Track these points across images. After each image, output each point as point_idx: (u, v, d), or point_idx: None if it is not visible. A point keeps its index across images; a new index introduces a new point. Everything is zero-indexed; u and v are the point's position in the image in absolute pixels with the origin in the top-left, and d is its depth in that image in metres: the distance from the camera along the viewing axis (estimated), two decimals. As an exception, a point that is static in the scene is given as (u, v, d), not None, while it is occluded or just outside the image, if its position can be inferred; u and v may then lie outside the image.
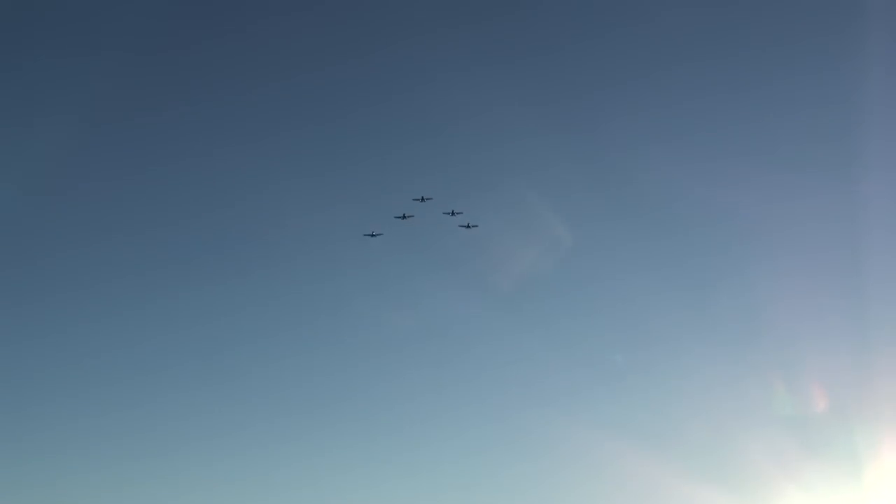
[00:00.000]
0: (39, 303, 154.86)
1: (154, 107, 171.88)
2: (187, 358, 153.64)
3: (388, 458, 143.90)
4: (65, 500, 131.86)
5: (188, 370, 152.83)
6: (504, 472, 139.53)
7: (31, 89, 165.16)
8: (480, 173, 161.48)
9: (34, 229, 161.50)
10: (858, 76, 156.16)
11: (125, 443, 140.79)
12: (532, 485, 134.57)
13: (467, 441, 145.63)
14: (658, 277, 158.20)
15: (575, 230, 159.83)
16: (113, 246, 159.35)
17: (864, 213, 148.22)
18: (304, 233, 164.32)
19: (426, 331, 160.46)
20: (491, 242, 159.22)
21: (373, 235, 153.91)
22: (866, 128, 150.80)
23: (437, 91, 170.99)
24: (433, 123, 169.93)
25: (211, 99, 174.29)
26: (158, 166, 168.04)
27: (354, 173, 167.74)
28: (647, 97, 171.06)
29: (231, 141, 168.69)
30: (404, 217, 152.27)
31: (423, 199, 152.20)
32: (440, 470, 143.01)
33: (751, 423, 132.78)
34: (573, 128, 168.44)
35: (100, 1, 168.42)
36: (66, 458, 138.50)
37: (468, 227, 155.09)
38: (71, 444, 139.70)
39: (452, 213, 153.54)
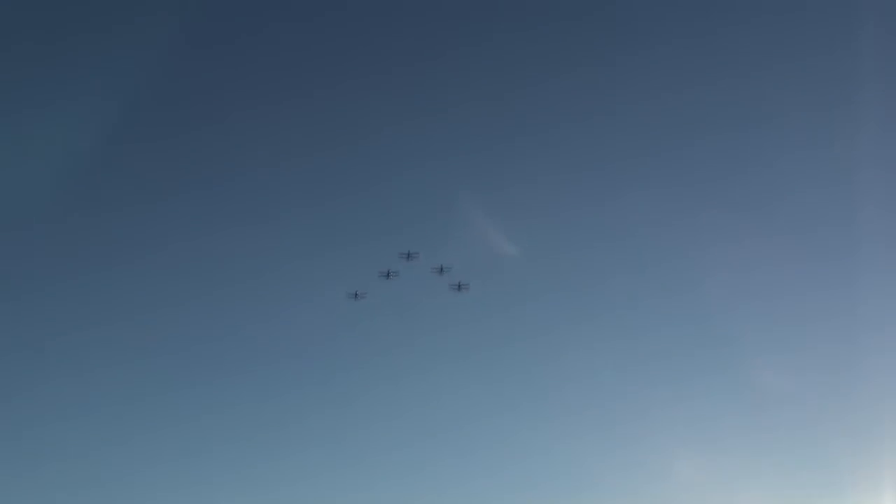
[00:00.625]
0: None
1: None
2: (168, 423, 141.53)
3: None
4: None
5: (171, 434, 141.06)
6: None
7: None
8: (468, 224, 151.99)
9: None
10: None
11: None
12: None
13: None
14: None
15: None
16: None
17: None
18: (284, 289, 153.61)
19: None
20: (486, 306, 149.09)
21: (356, 297, 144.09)
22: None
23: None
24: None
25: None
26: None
27: (337, 225, 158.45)
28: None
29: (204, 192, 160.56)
30: (389, 275, 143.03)
31: (409, 256, 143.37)
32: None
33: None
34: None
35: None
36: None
37: (459, 287, 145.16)
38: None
39: (441, 270, 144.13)
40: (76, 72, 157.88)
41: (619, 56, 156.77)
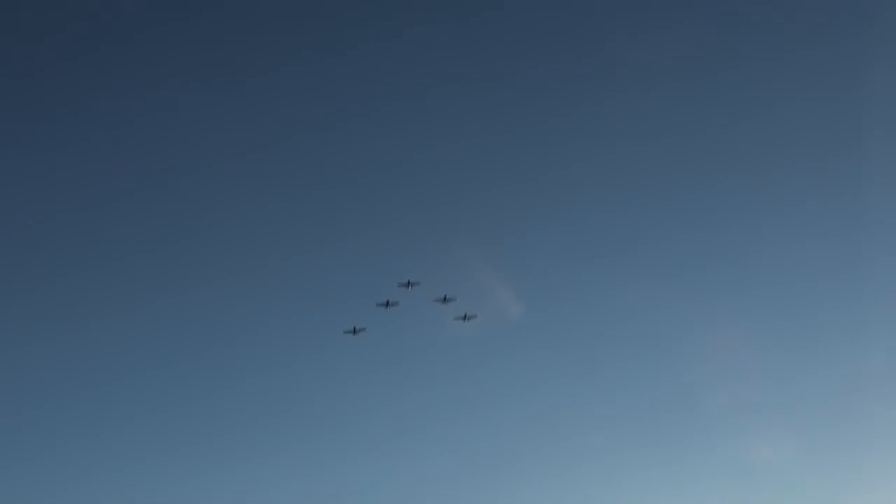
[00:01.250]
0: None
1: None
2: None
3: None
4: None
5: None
6: None
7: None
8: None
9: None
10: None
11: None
12: None
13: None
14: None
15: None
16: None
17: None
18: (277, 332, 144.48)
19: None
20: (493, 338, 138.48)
21: (354, 332, 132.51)
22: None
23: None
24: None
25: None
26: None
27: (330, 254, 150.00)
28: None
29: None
30: (388, 305, 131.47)
31: (409, 285, 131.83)
32: None
33: None
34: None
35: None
36: None
37: (465, 318, 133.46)
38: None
39: (445, 300, 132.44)
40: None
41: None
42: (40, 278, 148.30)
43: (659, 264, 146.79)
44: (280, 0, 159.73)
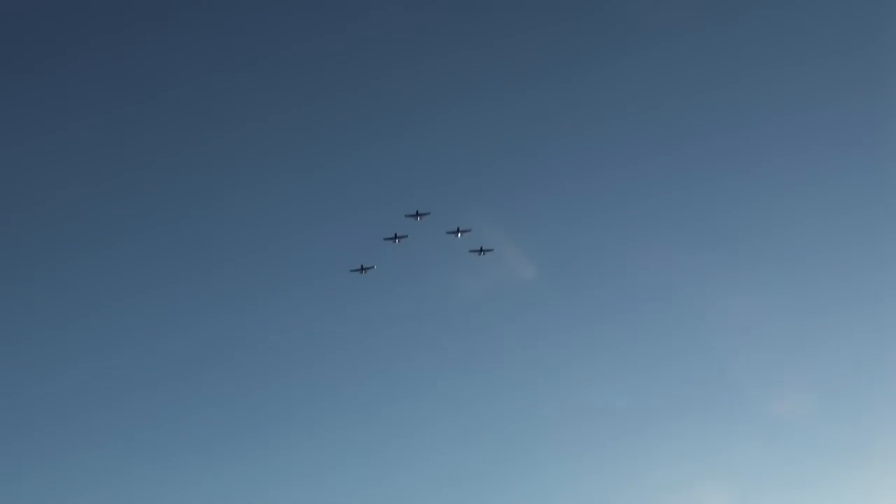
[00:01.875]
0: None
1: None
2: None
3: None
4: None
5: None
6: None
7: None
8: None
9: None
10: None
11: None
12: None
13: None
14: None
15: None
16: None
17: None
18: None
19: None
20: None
21: (362, 270, 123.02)
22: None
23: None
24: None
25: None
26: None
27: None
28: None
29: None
30: (396, 238, 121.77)
31: (418, 216, 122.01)
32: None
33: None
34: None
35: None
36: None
37: (481, 252, 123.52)
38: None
39: (458, 232, 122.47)
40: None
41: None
42: (40, 277, 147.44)
43: (684, 231, 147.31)
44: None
